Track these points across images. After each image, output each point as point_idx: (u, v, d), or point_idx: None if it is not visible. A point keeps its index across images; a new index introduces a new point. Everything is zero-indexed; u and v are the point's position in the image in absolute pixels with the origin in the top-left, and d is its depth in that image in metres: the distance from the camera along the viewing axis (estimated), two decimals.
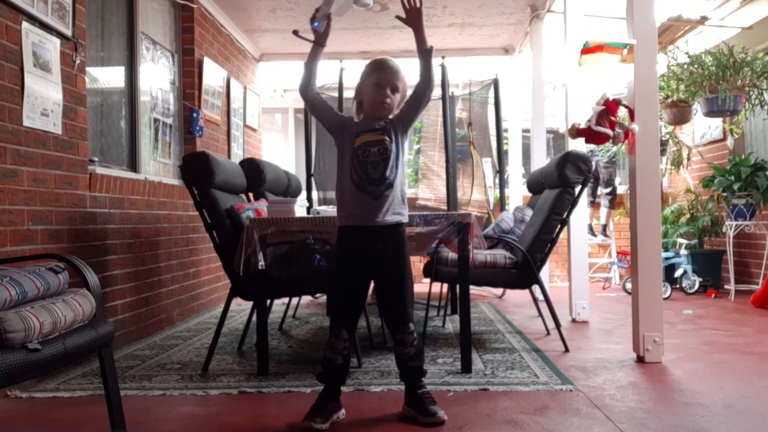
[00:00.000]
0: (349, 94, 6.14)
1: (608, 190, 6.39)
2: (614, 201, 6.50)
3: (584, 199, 4.07)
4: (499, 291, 5.74)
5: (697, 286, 5.47)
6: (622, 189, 6.70)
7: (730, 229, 5.16)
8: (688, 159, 6.19)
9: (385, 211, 2.23)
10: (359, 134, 2.26)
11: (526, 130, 5.84)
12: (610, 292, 5.84)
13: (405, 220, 2.32)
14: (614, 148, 6.27)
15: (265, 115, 7.78)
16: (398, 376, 2.40)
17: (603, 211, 6.51)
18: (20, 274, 1.85)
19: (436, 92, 6.32)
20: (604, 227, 6.55)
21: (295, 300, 4.66)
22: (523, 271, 3.46)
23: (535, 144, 5.41)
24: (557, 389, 2.58)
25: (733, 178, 5.15)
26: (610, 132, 3.15)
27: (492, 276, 3.52)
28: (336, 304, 2.36)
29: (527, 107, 5.62)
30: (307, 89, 2.28)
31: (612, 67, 3.13)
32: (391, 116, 2.32)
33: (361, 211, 2.24)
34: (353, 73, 6.86)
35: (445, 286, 4.50)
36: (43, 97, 2.92)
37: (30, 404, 2.54)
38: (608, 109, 3.17)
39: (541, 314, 4.02)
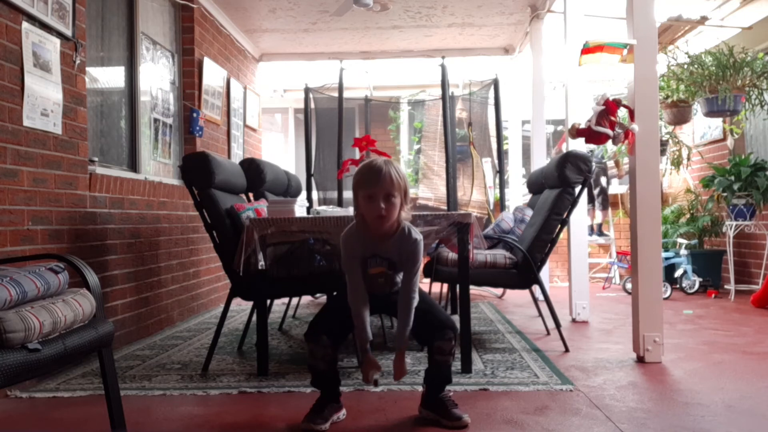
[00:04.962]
0: (349, 94, 6.17)
1: (596, 190, 6.38)
2: (607, 201, 6.48)
3: (584, 199, 4.07)
4: (499, 291, 5.74)
5: (697, 286, 5.47)
6: (613, 189, 6.70)
7: (730, 229, 5.16)
8: (688, 159, 6.19)
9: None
10: (367, 263, 2.23)
11: (527, 138, 5.83)
12: (610, 292, 5.84)
13: None
14: (602, 149, 6.30)
15: (265, 115, 7.78)
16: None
17: (597, 212, 6.51)
18: (20, 274, 1.85)
19: (437, 92, 6.34)
20: (600, 226, 6.55)
21: (295, 300, 4.66)
22: (523, 271, 3.46)
23: (535, 144, 5.41)
24: (557, 389, 2.58)
25: (733, 178, 5.15)
26: (610, 132, 3.15)
27: (492, 276, 3.52)
28: (329, 310, 2.33)
29: (527, 107, 5.62)
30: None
31: (612, 67, 3.13)
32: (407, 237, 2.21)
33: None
34: (353, 73, 6.89)
35: (445, 286, 4.50)
36: (43, 97, 2.92)
37: (30, 404, 2.54)
38: (608, 109, 3.17)
39: (541, 314, 4.02)
